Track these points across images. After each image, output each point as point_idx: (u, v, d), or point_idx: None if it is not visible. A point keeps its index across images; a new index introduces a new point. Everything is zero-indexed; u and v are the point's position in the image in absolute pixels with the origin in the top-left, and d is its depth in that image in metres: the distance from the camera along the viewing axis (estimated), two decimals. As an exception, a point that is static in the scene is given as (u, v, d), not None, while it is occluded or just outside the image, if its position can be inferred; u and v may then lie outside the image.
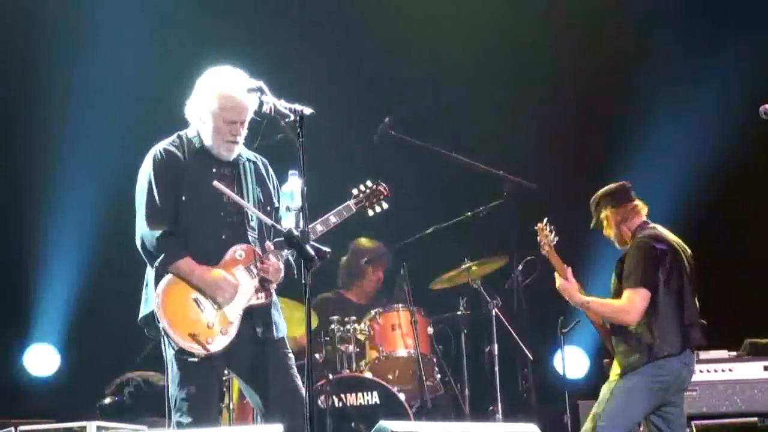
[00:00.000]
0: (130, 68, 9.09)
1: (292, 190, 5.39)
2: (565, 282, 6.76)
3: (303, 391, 5.67)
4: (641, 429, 6.83)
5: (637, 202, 6.85)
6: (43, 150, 9.33)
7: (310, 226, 5.57)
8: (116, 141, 8.94)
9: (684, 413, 6.77)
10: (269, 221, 5.49)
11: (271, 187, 5.91)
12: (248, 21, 9.38)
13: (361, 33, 9.71)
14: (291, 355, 5.85)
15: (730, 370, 7.83)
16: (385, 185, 6.08)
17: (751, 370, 7.82)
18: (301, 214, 5.28)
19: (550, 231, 6.89)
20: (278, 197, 5.88)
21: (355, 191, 6.01)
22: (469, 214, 8.63)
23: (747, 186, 9.41)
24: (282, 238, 5.35)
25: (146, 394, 8.61)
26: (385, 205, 6.07)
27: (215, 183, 5.61)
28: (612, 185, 6.92)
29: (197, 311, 5.62)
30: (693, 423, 7.63)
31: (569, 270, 6.79)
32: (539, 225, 6.93)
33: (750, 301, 9.07)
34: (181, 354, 5.60)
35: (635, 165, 9.02)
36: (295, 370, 5.79)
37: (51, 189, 9.31)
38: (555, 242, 6.87)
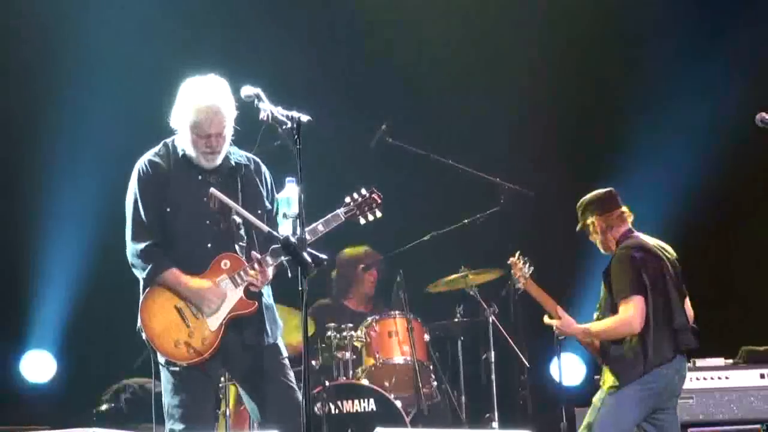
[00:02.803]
0: (124, 78, 9.06)
1: (289, 196, 5.37)
2: (560, 322, 6.71)
3: (298, 397, 5.67)
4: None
5: (624, 209, 6.83)
6: (41, 156, 9.31)
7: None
8: (113, 149, 8.92)
9: (678, 420, 6.76)
10: (266, 228, 5.46)
11: (263, 190, 5.84)
12: (244, 26, 9.38)
13: (358, 39, 9.70)
14: (286, 361, 5.83)
15: (727, 378, 7.83)
16: (378, 193, 5.96)
17: (747, 377, 7.82)
18: (298, 221, 5.27)
19: (524, 263, 6.82)
20: (272, 199, 5.83)
21: (347, 199, 5.91)
22: (466, 221, 8.64)
23: (742, 193, 9.41)
24: (278, 245, 5.35)
25: (142, 400, 8.61)
26: (379, 214, 5.95)
27: (212, 190, 5.60)
28: (599, 191, 6.88)
29: (179, 321, 5.63)
30: (690, 430, 7.64)
31: (560, 309, 6.74)
32: (512, 259, 6.84)
33: (746, 308, 9.07)
34: (167, 363, 5.65)
35: (632, 172, 9.02)
36: (291, 376, 5.78)
37: (48, 196, 9.30)
38: (530, 273, 6.80)
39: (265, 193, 5.84)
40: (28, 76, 9.31)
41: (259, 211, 5.74)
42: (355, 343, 8.22)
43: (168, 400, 5.66)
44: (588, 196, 6.91)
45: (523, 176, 8.61)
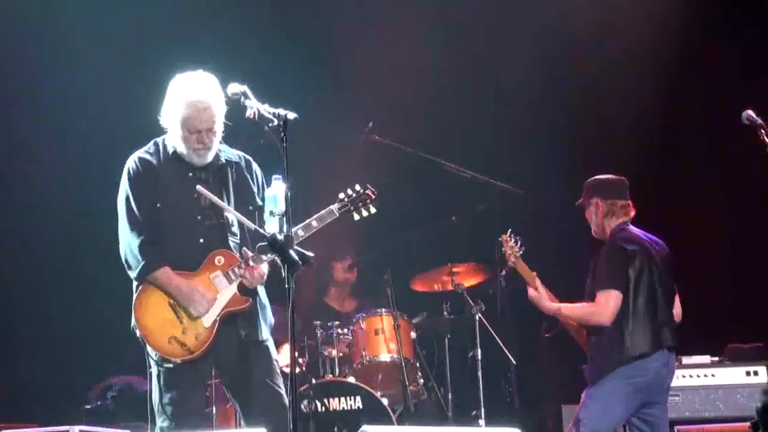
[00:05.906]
0: (108, 73, 9.04)
1: (275, 194, 5.37)
2: (534, 291, 6.77)
3: (285, 396, 5.70)
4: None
5: (629, 202, 6.87)
6: (31, 152, 9.29)
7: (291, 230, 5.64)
8: (96, 145, 8.92)
9: (667, 416, 6.78)
10: (253, 226, 5.46)
11: (254, 187, 5.89)
12: (230, 24, 9.37)
13: (346, 36, 9.69)
14: (276, 357, 5.86)
15: (713, 375, 7.87)
16: (372, 189, 5.98)
17: (733, 375, 7.86)
18: (284, 218, 5.27)
19: (515, 242, 6.86)
20: (263, 196, 5.83)
21: (341, 195, 5.93)
22: (453, 218, 8.64)
23: (733, 190, 9.43)
24: (265, 243, 5.35)
25: (129, 398, 8.59)
26: (373, 210, 5.98)
27: (199, 187, 5.59)
28: (612, 176, 6.94)
29: (173, 317, 5.65)
30: (677, 428, 7.66)
31: (536, 279, 6.80)
32: (503, 236, 6.90)
33: (732, 306, 9.09)
34: (161, 361, 5.65)
35: (626, 171, 9.04)
36: (279, 380, 5.79)
37: (35, 192, 9.27)
38: (521, 252, 6.84)
39: (255, 190, 5.87)
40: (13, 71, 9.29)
41: (250, 208, 5.79)
42: (342, 341, 8.23)
43: (157, 397, 5.66)
44: (600, 176, 6.95)
45: (512, 174, 8.59)
